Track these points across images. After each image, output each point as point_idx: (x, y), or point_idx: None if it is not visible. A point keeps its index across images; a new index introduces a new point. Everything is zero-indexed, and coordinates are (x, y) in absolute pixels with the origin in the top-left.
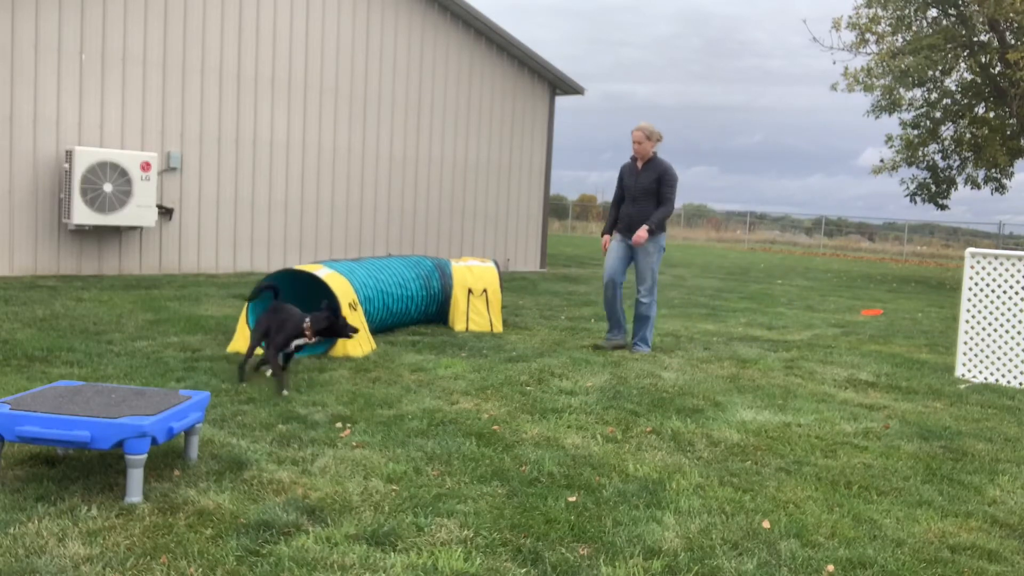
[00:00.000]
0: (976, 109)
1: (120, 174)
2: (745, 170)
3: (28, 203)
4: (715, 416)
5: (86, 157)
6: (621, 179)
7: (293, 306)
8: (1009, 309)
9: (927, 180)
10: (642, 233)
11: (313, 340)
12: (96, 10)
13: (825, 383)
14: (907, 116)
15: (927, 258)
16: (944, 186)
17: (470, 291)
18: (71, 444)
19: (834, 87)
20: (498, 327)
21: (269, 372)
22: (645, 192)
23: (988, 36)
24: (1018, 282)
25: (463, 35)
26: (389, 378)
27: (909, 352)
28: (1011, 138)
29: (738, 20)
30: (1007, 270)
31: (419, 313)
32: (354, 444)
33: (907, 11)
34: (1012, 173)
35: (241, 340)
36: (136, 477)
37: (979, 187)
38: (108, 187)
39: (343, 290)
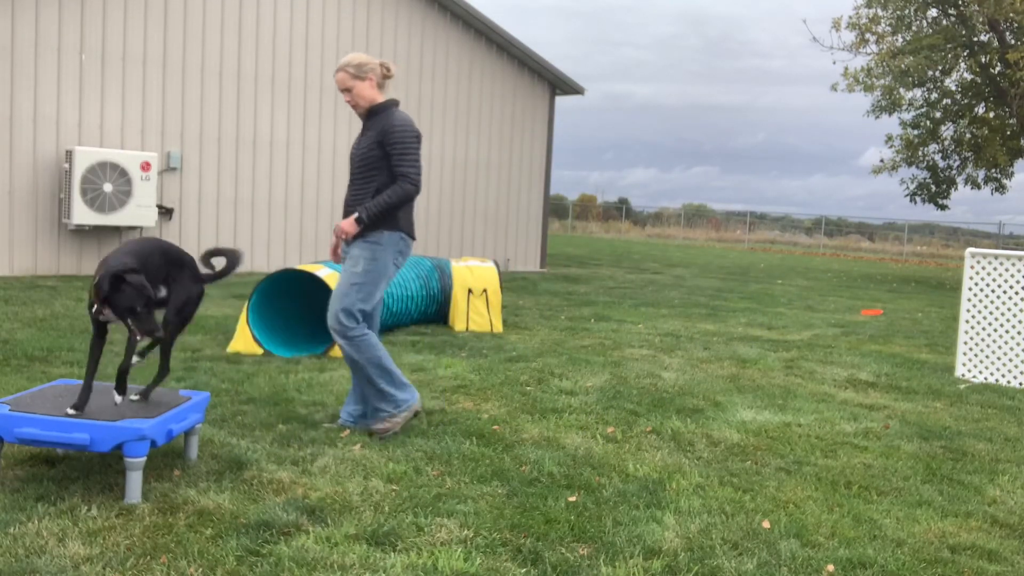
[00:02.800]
0: (976, 109)
1: (120, 174)
2: (746, 170)
3: (28, 203)
4: (715, 416)
5: (86, 157)
6: None
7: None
8: (1009, 309)
9: (927, 180)
10: (344, 225)
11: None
12: (96, 10)
13: (825, 383)
14: (907, 116)
15: (927, 258)
16: (944, 186)
17: (470, 291)
18: (70, 447)
19: (834, 87)
20: (498, 327)
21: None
22: (364, 164)
23: (988, 36)
24: (1018, 282)
25: (463, 35)
26: None
27: (909, 352)
28: (1011, 138)
29: (738, 20)
30: (1007, 270)
31: (419, 313)
32: (354, 444)
33: (907, 11)
34: (1012, 173)
35: (241, 340)
36: (135, 480)
37: (979, 187)
38: (108, 187)
39: None
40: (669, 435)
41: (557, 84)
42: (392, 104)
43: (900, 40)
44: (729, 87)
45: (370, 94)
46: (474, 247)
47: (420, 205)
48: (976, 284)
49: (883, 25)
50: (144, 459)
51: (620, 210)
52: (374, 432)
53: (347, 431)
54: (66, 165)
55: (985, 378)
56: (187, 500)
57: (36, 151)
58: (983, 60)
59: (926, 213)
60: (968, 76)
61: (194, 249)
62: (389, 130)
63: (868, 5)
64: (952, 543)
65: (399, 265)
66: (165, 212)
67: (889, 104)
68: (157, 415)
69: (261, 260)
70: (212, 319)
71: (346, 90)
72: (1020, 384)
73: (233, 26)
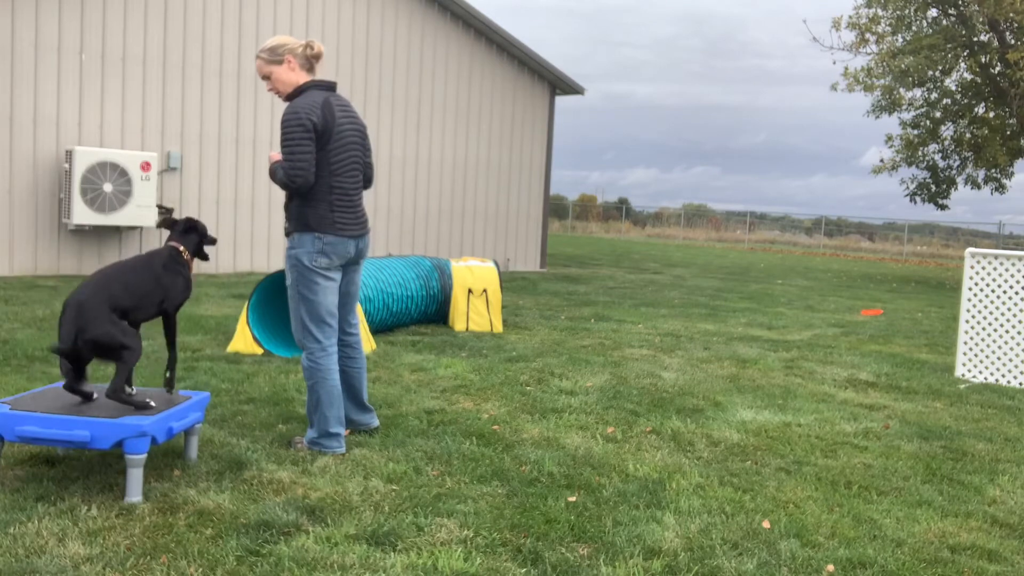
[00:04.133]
0: (976, 109)
1: (120, 174)
2: (747, 170)
3: (28, 203)
4: (715, 416)
5: (86, 157)
6: None
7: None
8: (1009, 309)
9: (927, 180)
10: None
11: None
12: (96, 10)
13: (825, 383)
14: (907, 116)
15: (927, 258)
16: (944, 186)
17: (470, 291)
18: (71, 444)
19: (834, 87)
20: (498, 327)
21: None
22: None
23: (988, 36)
24: (1018, 282)
25: (463, 35)
26: (389, 378)
27: (909, 352)
28: (1011, 138)
29: (738, 20)
30: (1007, 270)
31: (419, 313)
32: (354, 444)
33: (907, 11)
34: (1012, 173)
35: (241, 340)
36: (136, 477)
37: (979, 187)
38: (108, 187)
39: None
40: (669, 435)
41: (557, 84)
42: (310, 87)
43: (900, 40)
44: (729, 87)
45: (289, 77)
46: (474, 247)
47: (420, 205)
48: (976, 284)
49: (883, 25)
50: (144, 456)
51: (620, 210)
52: (291, 443)
53: (347, 431)
54: (66, 165)
55: (985, 378)
56: (187, 500)
57: (36, 151)
58: (983, 60)
59: (926, 213)
60: (968, 76)
61: None
62: (282, 120)
63: (868, 5)
64: (952, 543)
65: (328, 265)
66: (165, 212)
67: (889, 104)
68: (157, 412)
69: (261, 260)
70: (212, 319)
71: (265, 77)
72: (1020, 384)
73: (233, 26)
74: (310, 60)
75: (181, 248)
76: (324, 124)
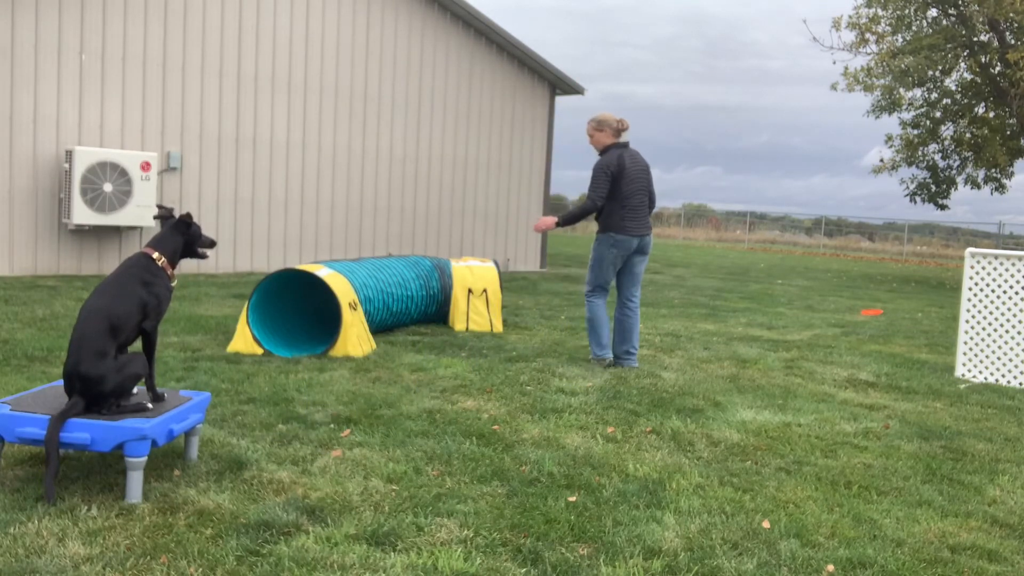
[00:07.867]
0: (976, 109)
1: (120, 174)
2: (749, 170)
3: (28, 203)
4: (715, 416)
5: (86, 157)
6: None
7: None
8: (1009, 309)
9: (927, 180)
10: (542, 219)
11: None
12: (96, 10)
13: (825, 383)
14: (907, 116)
15: (927, 258)
16: (944, 186)
17: (470, 291)
18: (71, 446)
19: (834, 87)
20: (498, 327)
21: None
22: None
23: (988, 36)
24: (1018, 282)
25: (463, 35)
26: (389, 378)
27: (909, 352)
28: (1011, 138)
29: (738, 20)
30: (1007, 270)
31: (419, 313)
32: (354, 444)
33: (907, 11)
34: (1012, 173)
35: (241, 340)
36: (136, 479)
37: (979, 187)
38: (108, 187)
39: (343, 290)
40: (669, 435)
41: (557, 84)
42: (612, 147)
43: (900, 40)
44: (730, 87)
45: (604, 140)
46: (474, 247)
47: (420, 205)
48: (976, 284)
49: (883, 25)
50: (145, 459)
51: None
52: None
53: (348, 431)
54: (66, 165)
55: (985, 378)
56: (187, 500)
57: (36, 151)
58: (983, 60)
59: (926, 213)
60: (968, 76)
61: None
62: (594, 167)
63: (868, 5)
64: (952, 543)
65: (616, 253)
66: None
67: (889, 104)
68: (158, 415)
69: (261, 260)
70: (212, 319)
71: (590, 135)
72: (1020, 384)
73: (233, 26)
74: (618, 131)
75: (155, 255)
76: (618, 170)
